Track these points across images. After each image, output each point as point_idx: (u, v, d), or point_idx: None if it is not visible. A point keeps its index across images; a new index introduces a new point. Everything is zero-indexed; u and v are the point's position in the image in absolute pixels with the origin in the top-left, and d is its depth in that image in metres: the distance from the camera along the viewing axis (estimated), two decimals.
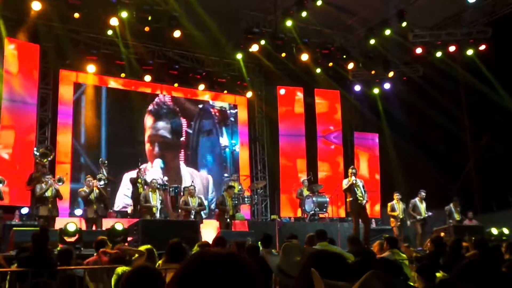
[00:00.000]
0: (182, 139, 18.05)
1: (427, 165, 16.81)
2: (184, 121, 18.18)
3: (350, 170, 13.48)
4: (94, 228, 12.35)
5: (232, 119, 19.24)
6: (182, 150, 17.99)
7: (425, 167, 16.78)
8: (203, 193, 17.42)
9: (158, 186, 13.88)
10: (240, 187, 16.10)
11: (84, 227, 12.18)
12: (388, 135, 19.25)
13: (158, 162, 17.26)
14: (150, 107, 17.66)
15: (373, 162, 19.74)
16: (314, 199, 15.81)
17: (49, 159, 13.29)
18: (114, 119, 16.92)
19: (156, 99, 17.79)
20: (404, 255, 7.81)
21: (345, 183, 13.20)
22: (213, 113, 18.95)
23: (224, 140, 18.99)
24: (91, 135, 16.46)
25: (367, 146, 19.92)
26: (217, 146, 18.84)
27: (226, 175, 17.98)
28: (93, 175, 13.48)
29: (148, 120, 17.57)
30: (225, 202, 13.84)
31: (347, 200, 13.51)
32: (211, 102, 18.92)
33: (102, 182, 12.96)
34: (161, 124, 17.76)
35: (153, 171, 16.80)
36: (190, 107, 18.46)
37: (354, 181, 12.99)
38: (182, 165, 17.81)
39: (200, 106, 18.73)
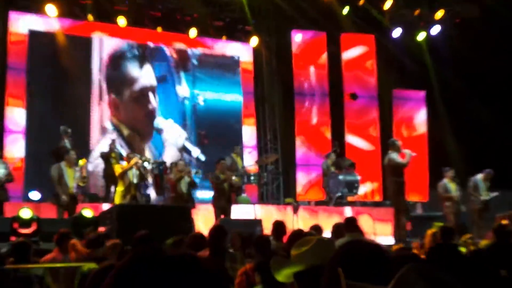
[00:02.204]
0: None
1: (489, 134, 16.72)
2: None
3: (395, 142, 13.45)
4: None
5: (195, 61, 18.84)
6: None
7: (487, 137, 16.70)
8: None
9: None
10: (241, 162, 16.10)
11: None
12: (438, 94, 19.14)
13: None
14: (127, 54, 17.74)
15: (418, 128, 19.64)
16: (341, 177, 15.77)
17: None
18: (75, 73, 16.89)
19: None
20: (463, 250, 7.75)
21: (396, 157, 13.09)
22: (168, 54, 18.64)
23: (183, 90, 18.67)
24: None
25: (410, 107, 19.80)
26: (173, 97, 18.53)
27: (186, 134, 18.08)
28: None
29: (130, 69, 17.70)
30: (220, 179, 13.78)
31: (393, 179, 13.42)
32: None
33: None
34: (146, 68, 17.97)
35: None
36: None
37: (410, 153, 12.98)
38: None
39: (152, 45, 18.40)
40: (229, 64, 19.37)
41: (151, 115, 17.83)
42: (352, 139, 18.75)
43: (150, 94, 17.88)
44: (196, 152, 18.16)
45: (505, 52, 16.68)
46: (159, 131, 17.84)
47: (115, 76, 17.58)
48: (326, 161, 16.40)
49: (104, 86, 17.31)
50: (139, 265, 1.22)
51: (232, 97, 19.19)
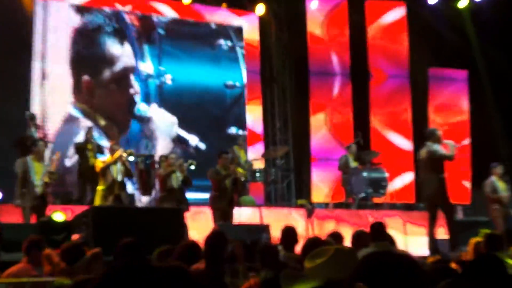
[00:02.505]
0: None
1: None
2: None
3: (435, 131, 13.36)
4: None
5: (161, 31, 18.64)
6: None
7: None
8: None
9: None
10: (245, 156, 16.14)
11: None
12: (483, 74, 19.08)
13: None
14: (108, 28, 17.75)
15: (459, 115, 19.60)
16: (365, 174, 15.77)
17: None
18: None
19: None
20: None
21: (439, 149, 13.02)
22: (128, 21, 18.42)
23: (146, 66, 18.49)
24: None
25: (449, 90, 19.77)
26: (135, 75, 18.29)
27: None
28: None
29: (113, 47, 17.71)
30: (220, 174, 13.88)
31: (434, 175, 13.35)
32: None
33: None
34: (127, 44, 18.02)
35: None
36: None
37: (454, 144, 12.96)
38: None
39: (108, 10, 18.14)
40: (209, 34, 19.21)
41: (132, 101, 17.83)
42: (379, 128, 18.74)
43: (131, 76, 17.92)
44: (194, 140, 18.10)
45: None
46: (145, 120, 17.77)
47: (89, 53, 17.50)
48: (346, 154, 16.37)
49: (67, 64, 17.19)
50: (120, 280, 1.22)
51: (215, 76, 19.08)
